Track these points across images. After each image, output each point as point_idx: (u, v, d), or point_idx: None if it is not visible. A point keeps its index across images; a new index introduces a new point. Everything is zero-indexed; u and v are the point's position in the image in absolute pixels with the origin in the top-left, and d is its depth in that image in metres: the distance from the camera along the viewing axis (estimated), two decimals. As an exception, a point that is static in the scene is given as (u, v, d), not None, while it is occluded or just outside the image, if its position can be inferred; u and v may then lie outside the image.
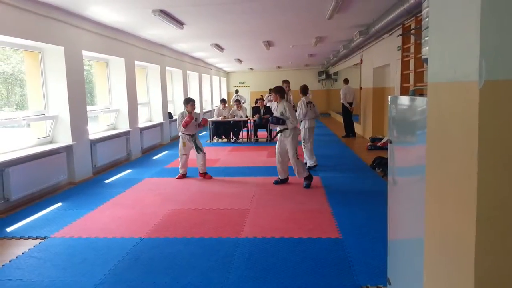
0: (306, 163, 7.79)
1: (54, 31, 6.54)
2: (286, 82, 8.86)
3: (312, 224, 4.63)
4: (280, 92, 6.39)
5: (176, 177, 7.26)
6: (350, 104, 12.53)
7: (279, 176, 6.66)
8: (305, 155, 7.80)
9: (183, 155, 7.21)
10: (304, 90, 8.01)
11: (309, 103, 7.77)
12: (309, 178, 6.35)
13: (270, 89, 20.84)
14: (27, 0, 5.79)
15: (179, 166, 7.32)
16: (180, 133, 7.19)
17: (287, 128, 6.27)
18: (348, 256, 3.74)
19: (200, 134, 14.46)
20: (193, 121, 7.09)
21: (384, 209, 2.97)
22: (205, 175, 7.26)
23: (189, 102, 7.10)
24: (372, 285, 3.20)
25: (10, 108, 7.34)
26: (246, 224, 4.71)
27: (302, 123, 7.73)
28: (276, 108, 6.44)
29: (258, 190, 6.31)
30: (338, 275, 3.38)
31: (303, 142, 7.76)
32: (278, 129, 6.45)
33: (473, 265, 1.26)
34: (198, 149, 7.16)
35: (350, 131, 12.67)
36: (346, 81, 13.06)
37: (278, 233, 4.36)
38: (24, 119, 6.30)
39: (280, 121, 6.25)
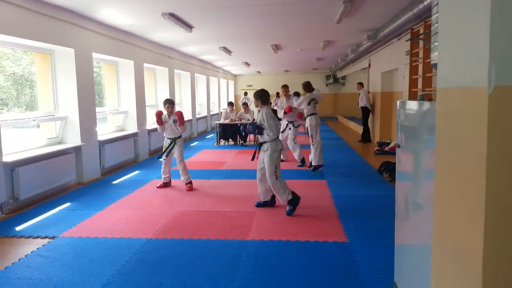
0: (310, 163, 7.91)
1: (65, 33, 6.62)
2: (284, 87, 8.67)
3: (318, 228, 4.63)
4: (261, 97, 5.37)
5: (157, 185, 6.76)
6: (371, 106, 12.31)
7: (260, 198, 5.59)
8: (311, 154, 7.90)
9: (163, 159, 6.65)
10: (308, 86, 8.04)
11: (312, 100, 7.94)
12: (293, 202, 5.17)
13: (277, 93, 20.89)
14: (38, 3, 5.87)
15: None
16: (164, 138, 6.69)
17: (265, 141, 5.24)
18: (355, 260, 3.73)
19: (208, 137, 14.52)
20: (170, 122, 6.50)
21: (391, 214, 2.97)
22: (186, 184, 6.65)
23: (165, 103, 6.60)
24: (378, 289, 3.19)
25: (19, 109, 7.42)
26: (253, 226, 4.72)
27: (308, 119, 7.94)
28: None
29: (264, 193, 6.31)
30: (344, 279, 3.37)
31: (311, 140, 7.79)
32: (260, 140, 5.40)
33: (481, 270, 1.26)
34: (167, 154, 6.56)
35: (366, 136, 12.38)
36: (361, 84, 12.68)
37: (284, 236, 4.37)
38: (34, 120, 6.37)
39: (257, 130, 5.25)
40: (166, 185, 6.83)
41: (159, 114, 6.48)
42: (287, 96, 8.63)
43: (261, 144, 5.31)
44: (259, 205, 5.55)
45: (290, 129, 8.48)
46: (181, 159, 6.61)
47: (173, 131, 6.58)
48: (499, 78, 1.18)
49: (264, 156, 5.23)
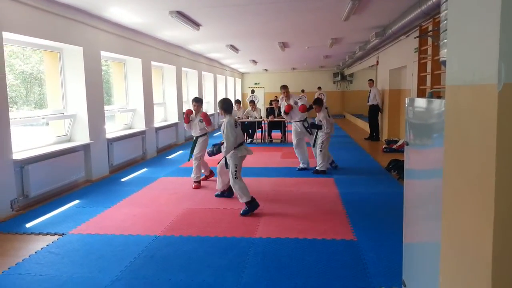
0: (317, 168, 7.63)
1: (74, 31, 6.66)
2: (284, 87, 8.10)
3: (326, 226, 4.62)
4: (223, 106, 5.34)
5: (193, 187, 6.63)
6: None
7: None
8: (317, 158, 7.61)
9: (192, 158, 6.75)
10: (319, 101, 7.69)
11: (325, 108, 7.73)
12: (250, 206, 5.16)
13: (284, 91, 20.84)
14: (47, 1, 5.92)
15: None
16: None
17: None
18: (363, 258, 3.73)
19: (215, 135, 14.54)
20: (196, 121, 6.62)
21: (399, 212, 2.96)
22: (194, 183, 6.69)
23: (193, 101, 6.75)
24: (386, 287, 3.19)
25: (29, 107, 7.50)
26: (260, 224, 4.73)
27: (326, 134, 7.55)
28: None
29: (272, 190, 6.33)
30: (352, 277, 3.37)
31: (321, 146, 7.48)
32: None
33: (490, 268, 1.26)
34: (191, 152, 6.73)
35: (374, 133, 12.28)
36: (372, 81, 12.59)
37: (292, 233, 4.37)
38: (43, 118, 6.43)
39: (215, 150, 5.53)
40: (199, 183, 6.73)
41: (188, 113, 6.66)
42: (287, 97, 8.03)
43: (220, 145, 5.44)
44: (217, 195, 5.93)
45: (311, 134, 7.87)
46: (198, 156, 6.71)
47: (196, 129, 6.69)
48: (508, 75, 1.18)
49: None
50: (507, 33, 1.17)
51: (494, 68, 1.21)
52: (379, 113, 12.22)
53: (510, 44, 1.18)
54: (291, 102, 7.90)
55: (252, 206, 5.17)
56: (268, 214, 5.12)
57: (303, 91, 20.57)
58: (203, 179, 6.97)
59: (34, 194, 5.65)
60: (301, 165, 7.98)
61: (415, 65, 8.08)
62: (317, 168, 7.57)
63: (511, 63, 1.18)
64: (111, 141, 7.89)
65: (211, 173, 7.17)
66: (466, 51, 1.47)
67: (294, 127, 7.99)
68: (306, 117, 8.00)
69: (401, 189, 2.84)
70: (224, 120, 5.21)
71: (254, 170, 7.91)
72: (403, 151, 2.77)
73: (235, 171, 5.23)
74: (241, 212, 5.15)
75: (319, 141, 7.54)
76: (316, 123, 7.64)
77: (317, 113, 7.66)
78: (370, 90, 12.29)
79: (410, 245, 2.66)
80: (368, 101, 12.30)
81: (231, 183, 5.31)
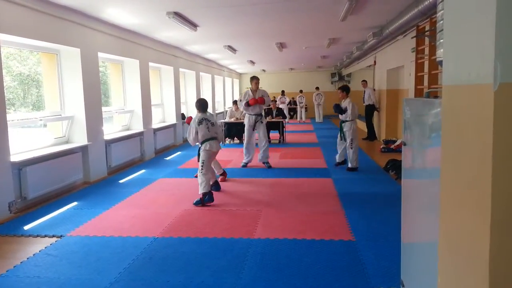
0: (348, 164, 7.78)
1: (71, 33, 6.66)
2: (255, 78, 8.39)
3: (325, 226, 4.63)
4: (196, 105, 5.99)
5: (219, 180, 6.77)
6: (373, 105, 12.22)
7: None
8: (350, 157, 7.71)
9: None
10: (346, 88, 7.95)
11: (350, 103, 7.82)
12: (205, 197, 5.58)
13: (282, 91, 20.91)
14: (44, 3, 5.91)
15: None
16: None
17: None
18: (361, 259, 3.73)
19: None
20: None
21: (397, 212, 2.96)
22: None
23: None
24: (385, 287, 3.19)
25: (26, 109, 7.48)
26: (259, 225, 4.73)
27: (350, 123, 7.72)
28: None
29: (270, 191, 6.33)
30: (351, 277, 3.37)
31: (350, 143, 7.65)
32: None
33: (487, 268, 1.26)
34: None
35: (369, 133, 12.35)
36: (366, 82, 12.63)
37: (290, 234, 4.37)
38: (41, 120, 6.42)
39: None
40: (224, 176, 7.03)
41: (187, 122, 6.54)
42: (257, 89, 8.37)
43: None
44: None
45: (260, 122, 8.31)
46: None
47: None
48: (504, 75, 1.18)
49: None
50: (503, 33, 1.18)
51: (490, 68, 1.21)
52: (376, 113, 12.25)
53: (506, 44, 1.18)
54: (259, 95, 8.25)
55: (206, 199, 5.60)
56: (267, 215, 5.12)
57: (301, 91, 20.58)
58: (221, 180, 6.90)
59: (32, 196, 5.64)
60: (245, 161, 8.41)
61: (412, 65, 8.08)
62: (350, 166, 7.72)
63: (506, 62, 1.18)
64: (109, 142, 7.88)
65: (224, 173, 7.15)
66: (462, 51, 1.48)
67: (248, 119, 8.29)
68: (262, 114, 8.45)
69: (399, 189, 2.85)
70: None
71: (252, 171, 7.92)
72: (401, 151, 2.77)
73: (202, 165, 5.72)
74: (194, 201, 5.62)
75: (348, 138, 7.69)
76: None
77: (342, 100, 7.87)
78: (364, 91, 12.36)
79: (408, 245, 2.66)
80: (363, 102, 12.35)
81: (198, 173, 5.78)
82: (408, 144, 2.58)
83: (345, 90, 7.87)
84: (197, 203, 5.59)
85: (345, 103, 7.76)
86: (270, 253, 3.90)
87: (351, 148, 7.65)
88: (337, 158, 8.21)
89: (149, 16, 7.36)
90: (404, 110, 2.63)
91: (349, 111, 7.63)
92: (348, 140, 7.67)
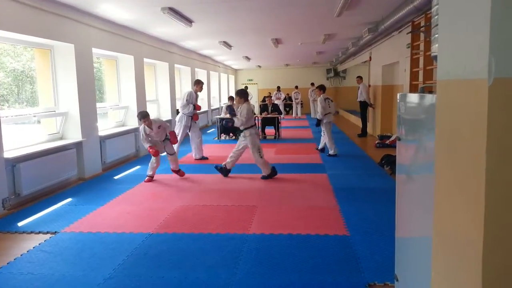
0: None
1: (65, 28, 6.60)
2: (198, 82, 8.81)
3: (319, 221, 4.64)
4: (244, 95, 6.97)
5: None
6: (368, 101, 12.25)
7: None
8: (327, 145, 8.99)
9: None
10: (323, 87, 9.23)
11: (326, 99, 8.94)
12: (272, 174, 6.87)
13: (278, 87, 20.88)
14: (38, -2, 5.85)
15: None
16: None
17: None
18: (356, 253, 3.74)
19: (209, 131, 14.51)
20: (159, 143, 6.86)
21: (392, 207, 2.97)
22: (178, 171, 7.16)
23: (143, 117, 6.59)
24: (379, 282, 3.21)
25: (20, 105, 7.43)
26: (254, 220, 4.73)
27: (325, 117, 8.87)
28: None
29: (265, 187, 6.33)
30: (345, 272, 3.39)
31: (323, 133, 9.08)
32: None
33: (480, 263, 1.26)
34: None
35: (363, 130, 12.35)
36: (361, 78, 12.63)
37: (285, 229, 4.38)
38: (34, 116, 6.38)
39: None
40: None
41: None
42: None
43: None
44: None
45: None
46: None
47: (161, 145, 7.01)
48: (499, 70, 1.18)
49: None
50: (498, 28, 1.18)
51: (484, 63, 1.21)
52: (369, 109, 12.26)
53: (500, 39, 1.18)
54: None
55: (273, 174, 6.85)
56: (262, 210, 5.13)
57: (296, 87, 20.59)
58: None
59: (26, 193, 5.60)
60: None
61: (407, 61, 8.10)
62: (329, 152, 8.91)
63: (501, 57, 1.18)
64: (104, 138, 7.84)
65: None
66: (456, 46, 1.47)
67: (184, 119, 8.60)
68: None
69: (394, 184, 2.85)
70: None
71: (247, 166, 7.91)
72: (395, 146, 2.77)
73: (259, 150, 6.80)
74: (261, 176, 6.84)
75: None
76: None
77: (318, 97, 9.21)
78: (359, 87, 12.38)
79: (402, 240, 2.67)
80: (357, 98, 12.37)
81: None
82: (403, 139, 2.58)
83: (320, 88, 9.19)
84: (264, 178, 6.76)
85: (320, 100, 9.01)
86: (265, 249, 3.90)
87: (330, 138, 8.91)
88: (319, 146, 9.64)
89: (143, 12, 7.31)
90: (398, 106, 2.63)
91: (319, 107, 8.89)
92: (323, 132, 9.06)
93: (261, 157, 6.78)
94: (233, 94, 22.91)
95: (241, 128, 6.84)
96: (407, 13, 6.54)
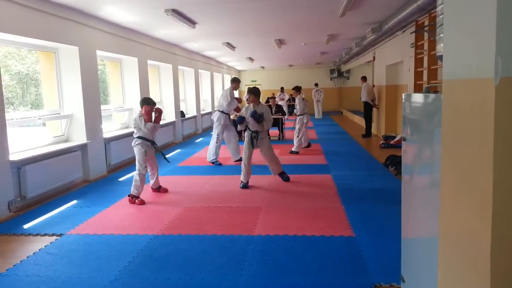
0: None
1: (69, 31, 6.63)
2: (235, 80, 8.76)
3: (324, 222, 4.62)
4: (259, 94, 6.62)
5: (137, 202, 5.58)
6: (373, 101, 12.19)
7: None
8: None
9: (144, 167, 5.79)
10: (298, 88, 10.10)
11: (303, 99, 9.81)
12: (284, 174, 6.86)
13: (281, 88, 20.87)
14: (42, 1, 5.88)
15: (138, 186, 5.60)
16: (136, 141, 6.09)
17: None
18: (361, 254, 3.73)
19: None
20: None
21: (397, 207, 2.96)
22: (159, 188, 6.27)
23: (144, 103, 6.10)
24: (385, 283, 3.19)
25: (25, 108, 7.47)
26: (259, 221, 4.72)
27: (300, 117, 9.61)
28: None
29: (270, 188, 6.33)
30: (351, 273, 3.37)
31: (297, 132, 9.48)
32: None
33: (489, 263, 1.25)
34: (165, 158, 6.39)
35: (367, 130, 12.30)
36: (364, 78, 12.58)
37: (290, 231, 4.37)
38: (39, 118, 6.41)
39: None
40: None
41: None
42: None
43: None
44: None
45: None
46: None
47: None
48: (505, 69, 1.17)
49: None
50: (504, 27, 1.17)
51: (491, 62, 1.20)
52: (372, 109, 12.22)
53: (507, 38, 1.17)
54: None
55: (285, 176, 6.80)
56: (267, 211, 5.12)
57: (282, 88, 20.71)
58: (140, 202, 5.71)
59: (31, 195, 5.63)
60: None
61: (411, 60, 8.06)
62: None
63: (508, 57, 1.17)
64: (108, 140, 7.87)
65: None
66: (462, 45, 1.47)
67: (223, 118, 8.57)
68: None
69: (399, 185, 2.84)
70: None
71: (252, 168, 7.89)
72: (400, 147, 2.76)
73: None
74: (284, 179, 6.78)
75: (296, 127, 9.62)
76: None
77: (296, 97, 10.01)
78: (362, 87, 12.35)
79: (408, 241, 2.66)
80: (361, 98, 12.34)
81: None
82: (408, 139, 2.57)
83: (297, 89, 10.06)
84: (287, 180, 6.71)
85: (297, 100, 9.82)
86: (270, 250, 3.89)
87: (297, 136, 9.46)
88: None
89: (147, 14, 7.34)
90: (403, 106, 2.62)
91: (297, 106, 9.78)
92: (296, 128, 9.58)
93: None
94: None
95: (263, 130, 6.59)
96: (410, 13, 6.52)
